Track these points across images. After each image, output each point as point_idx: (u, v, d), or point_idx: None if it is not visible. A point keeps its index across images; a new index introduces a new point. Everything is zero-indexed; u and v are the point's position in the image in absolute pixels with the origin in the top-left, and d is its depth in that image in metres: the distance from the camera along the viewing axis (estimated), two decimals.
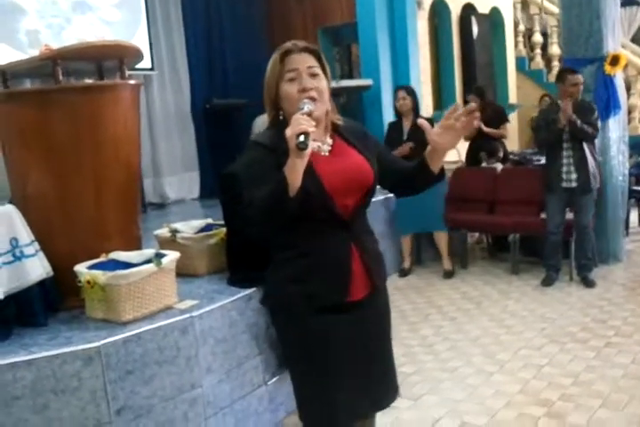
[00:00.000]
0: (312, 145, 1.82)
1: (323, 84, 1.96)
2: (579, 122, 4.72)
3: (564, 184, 4.93)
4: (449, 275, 5.59)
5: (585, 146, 4.86)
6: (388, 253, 5.51)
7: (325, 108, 1.98)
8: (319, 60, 2.00)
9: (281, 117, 1.98)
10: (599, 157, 5.35)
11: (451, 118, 1.89)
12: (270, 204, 1.78)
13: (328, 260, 1.95)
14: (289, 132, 1.72)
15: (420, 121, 1.95)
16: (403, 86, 5.80)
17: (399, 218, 5.67)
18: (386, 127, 5.85)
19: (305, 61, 1.95)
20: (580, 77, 4.90)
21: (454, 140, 1.93)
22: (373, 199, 2.13)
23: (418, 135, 5.11)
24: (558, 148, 4.92)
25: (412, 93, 5.52)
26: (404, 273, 5.72)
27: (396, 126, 5.58)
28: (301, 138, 1.70)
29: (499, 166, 6.11)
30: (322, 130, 2.00)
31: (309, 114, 1.80)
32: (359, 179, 1.98)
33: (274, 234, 2.01)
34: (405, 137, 5.41)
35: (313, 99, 1.90)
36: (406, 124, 5.47)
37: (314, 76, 1.95)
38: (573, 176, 4.90)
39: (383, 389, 2.14)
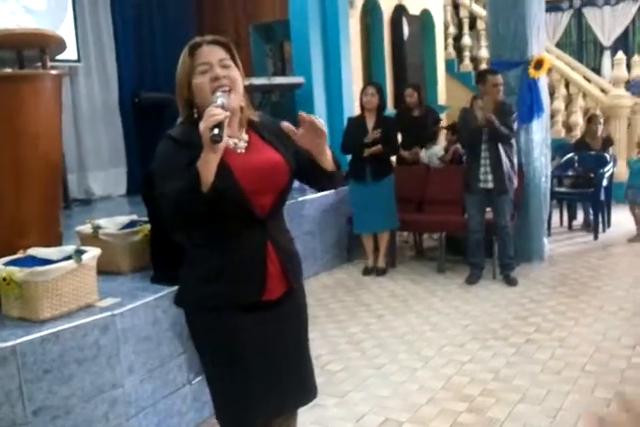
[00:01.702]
0: (228, 142, 1.82)
1: (235, 73, 1.93)
2: (496, 122, 4.83)
3: (481, 185, 5.06)
4: (382, 272, 5.64)
5: (500, 147, 4.98)
6: (318, 250, 5.55)
7: (239, 98, 1.94)
8: (230, 52, 1.96)
9: (195, 116, 1.93)
10: (522, 158, 5.50)
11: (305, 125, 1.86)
12: (182, 198, 1.74)
13: (243, 259, 1.92)
14: (202, 125, 1.70)
15: (284, 124, 1.90)
16: (372, 83, 5.82)
17: (356, 219, 5.65)
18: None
19: (215, 54, 1.92)
20: (499, 78, 5.02)
21: (312, 142, 1.88)
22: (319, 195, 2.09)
23: (382, 133, 5.18)
24: (477, 149, 5.04)
25: (380, 91, 5.51)
26: (367, 271, 5.69)
27: (357, 122, 5.54)
28: (215, 131, 1.67)
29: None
30: (237, 126, 1.96)
31: (223, 106, 1.77)
32: (274, 178, 1.94)
33: (185, 231, 1.97)
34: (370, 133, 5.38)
35: (226, 88, 1.87)
36: (370, 121, 5.42)
37: (225, 67, 1.92)
38: (490, 177, 5.02)
39: (298, 388, 2.11)
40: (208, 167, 1.71)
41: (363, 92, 5.54)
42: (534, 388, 3.37)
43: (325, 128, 1.87)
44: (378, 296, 5.05)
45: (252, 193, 1.87)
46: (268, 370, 2.00)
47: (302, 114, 1.84)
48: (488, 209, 5.23)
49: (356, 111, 6.80)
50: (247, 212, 1.89)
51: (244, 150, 1.95)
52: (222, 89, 1.87)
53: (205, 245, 1.93)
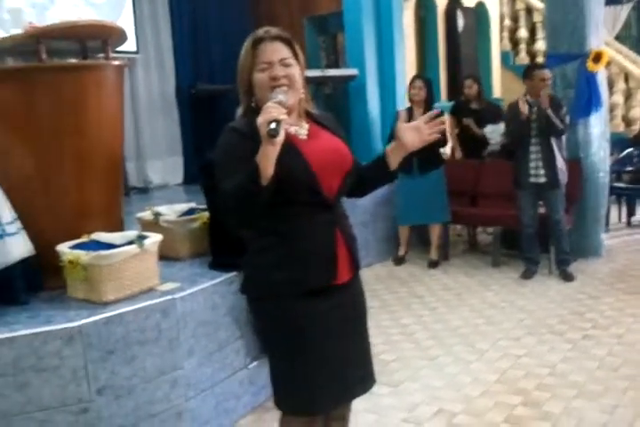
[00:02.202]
0: (289, 129, 1.85)
1: (295, 71, 1.95)
2: (552, 115, 4.75)
3: (532, 179, 4.98)
4: (434, 265, 5.62)
5: (553, 142, 4.90)
6: (372, 241, 5.56)
7: (298, 95, 1.97)
8: (292, 48, 1.98)
9: (253, 105, 1.96)
10: (580, 152, 5.41)
11: (422, 122, 1.98)
12: (243, 193, 1.76)
13: (315, 243, 1.93)
14: (260, 119, 1.72)
15: (401, 110, 1.99)
16: (420, 76, 5.77)
17: (401, 208, 5.66)
18: (372, 116, 5.81)
19: (278, 52, 1.93)
20: (547, 73, 4.93)
21: (412, 141, 1.99)
22: None
23: None
24: (526, 143, 4.96)
25: (428, 85, 5.49)
26: (399, 261, 5.74)
27: (406, 114, 5.54)
28: (272, 125, 1.69)
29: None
30: (296, 116, 2.00)
31: (280, 103, 1.79)
32: (340, 159, 1.98)
33: (249, 222, 1.99)
34: None
35: (285, 87, 1.90)
36: (417, 115, 5.41)
37: (286, 66, 1.94)
38: (541, 172, 4.94)
39: (361, 374, 2.12)
40: (267, 160, 1.72)
41: (411, 84, 5.53)
42: (591, 384, 3.32)
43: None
44: (431, 289, 5.03)
45: (321, 175, 1.90)
46: (336, 356, 2.01)
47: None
48: (541, 203, 5.14)
49: (409, 103, 6.79)
50: (316, 194, 1.90)
51: (305, 137, 1.98)
52: (281, 88, 1.90)
53: (274, 232, 1.94)
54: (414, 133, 1.98)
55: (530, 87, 4.94)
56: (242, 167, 1.77)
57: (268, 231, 1.95)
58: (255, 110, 1.89)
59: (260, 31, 1.96)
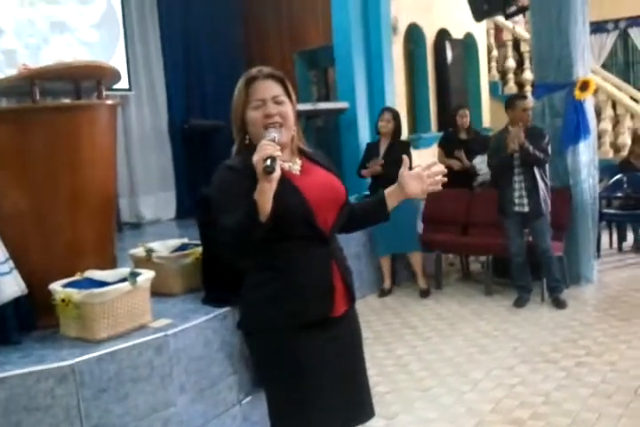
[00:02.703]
0: (283, 165, 1.90)
1: (287, 108, 2.01)
2: (530, 148, 4.84)
3: (517, 208, 5.05)
4: (425, 294, 5.65)
5: (536, 171, 4.97)
6: (365, 273, 5.58)
7: (290, 133, 2.03)
8: (284, 86, 2.04)
9: (247, 142, 2.02)
10: (569, 180, 5.47)
11: (425, 171, 2.05)
12: (241, 229, 1.80)
13: (311, 277, 1.97)
14: (255, 157, 1.77)
15: (404, 157, 2.07)
16: (389, 108, 5.87)
17: (376, 239, 5.73)
18: (363, 148, 5.92)
19: (270, 90, 2.00)
20: (529, 102, 5.04)
21: (416, 189, 2.06)
22: None
23: (392, 157, 5.24)
24: (510, 173, 5.04)
25: (396, 117, 5.63)
26: (384, 293, 5.76)
27: (374, 147, 5.66)
28: (268, 162, 1.73)
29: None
30: (289, 153, 2.05)
31: (274, 141, 1.85)
32: (335, 194, 2.04)
33: (246, 256, 2.03)
34: (381, 157, 5.49)
35: (277, 125, 1.96)
36: (383, 145, 5.57)
37: (279, 103, 2.00)
38: (525, 201, 5.02)
39: (359, 406, 2.14)
40: (264, 197, 1.77)
41: (379, 116, 5.65)
42: (585, 412, 3.32)
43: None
44: (424, 319, 5.04)
45: (316, 210, 1.95)
46: (333, 389, 2.03)
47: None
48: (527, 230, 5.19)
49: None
50: (312, 229, 1.95)
51: (298, 173, 2.03)
52: (274, 125, 1.95)
53: (270, 267, 1.98)
54: (417, 182, 2.05)
55: (512, 117, 5.03)
56: (238, 204, 1.81)
57: (264, 266, 1.99)
58: (249, 147, 1.95)
59: (254, 70, 2.03)
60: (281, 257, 1.96)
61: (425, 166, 2.08)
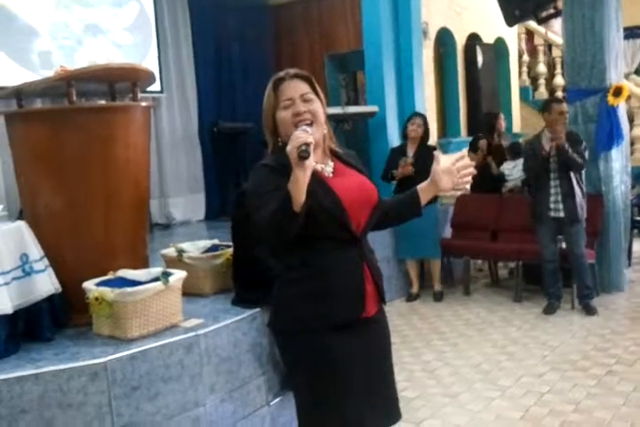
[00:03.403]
0: (316, 167, 1.91)
1: (317, 105, 2.03)
2: (570, 150, 4.78)
3: (552, 214, 4.99)
4: (439, 296, 5.66)
5: (572, 176, 4.91)
6: (393, 277, 5.57)
7: (322, 130, 2.04)
8: (311, 85, 2.06)
9: (280, 144, 2.03)
10: (601, 187, 5.41)
11: (455, 165, 2.06)
12: (276, 219, 1.80)
13: (343, 277, 1.98)
14: (289, 146, 1.79)
15: (436, 153, 2.08)
16: (419, 114, 5.87)
17: (399, 244, 5.74)
18: None
19: (298, 89, 2.02)
20: (565, 106, 4.98)
21: (448, 183, 2.07)
22: None
23: (420, 162, 5.22)
24: (546, 178, 4.98)
25: (426, 123, 5.63)
26: (412, 298, 5.74)
27: (399, 151, 5.64)
28: (303, 147, 1.75)
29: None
30: (321, 154, 2.06)
31: (306, 131, 1.88)
32: (367, 196, 2.05)
33: (281, 253, 2.04)
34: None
35: (308, 122, 1.97)
36: (410, 150, 5.54)
37: (307, 101, 2.02)
38: (560, 206, 4.95)
39: (386, 409, 2.14)
40: (298, 186, 1.77)
41: (409, 121, 5.62)
42: (617, 421, 3.28)
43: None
44: (452, 324, 5.01)
45: (350, 211, 1.96)
46: (364, 390, 2.03)
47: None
48: (561, 237, 5.14)
49: (430, 139, 6.84)
50: (345, 229, 1.96)
51: (331, 175, 2.04)
52: (304, 123, 1.97)
53: (303, 267, 1.99)
54: (448, 177, 2.06)
55: (548, 121, 4.98)
56: (272, 199, 1.83)
57: (297, 265, 2.00)
58: (283, 149, 1.96)
59: (280, 73, 2.06)
60: (314, 257, 1.98)
61: (454, 160, 2.08)
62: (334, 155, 2.13)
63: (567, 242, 5.08)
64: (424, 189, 2.11)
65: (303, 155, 1.75)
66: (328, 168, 2.06)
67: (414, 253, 5.72)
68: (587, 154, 4.97)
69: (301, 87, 2.03)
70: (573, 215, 4.92)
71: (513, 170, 6.22)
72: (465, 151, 2.13)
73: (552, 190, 4.97)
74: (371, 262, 2.06)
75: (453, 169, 2.06)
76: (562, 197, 4.94)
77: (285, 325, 2.07)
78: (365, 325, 2.04)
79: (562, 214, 4.95)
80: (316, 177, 1.87)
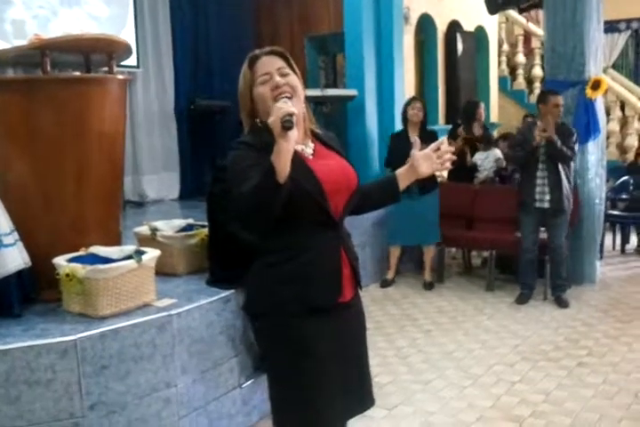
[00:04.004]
0: (296, 147, 1.84)
1: (294, 78, 1.97)
2: (559, 142, 4.77)
3: (538, 204, 4.98)
4: (430, 286, 5.63)
5: (560, 168, 4.91)
6: (368, 262, 5.54)
7: (301, 104, 1.98)
8: (287, 61, 2.01)
9: (259, 124, 1.96)
10: (577, 179, 5.42)
11: (434, 150, 2.02)
12: (260, 192, 1.73)
13: (321, 261, 1.93)
14: (272, 118, 1.73)
15: (414, 138, 2.02)
16: (418, 98, 5.82)
17: (392, 229, 5.68)
18: (370, 136, 5.85)
19: (274, 64, 1.97)
20: (561, 99, 4.95)
21: (428, 169, 2.05)
22: None
23: (423, 146, 5.15)
24: (534, 168, 4.97)
25: (424, 107, 5.56)
26: (386, 283, 5.71)
27: (401, 136, 5.55)
28: (287, 117, 1.70)
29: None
30: (302, 134, 2.00)
31: (286, 103, 1.81)
32: (347, 179, 1.99)
33: (258, 234, 1.98)
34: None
35: (288, 95, 1.91)
36: (413, 135, 5.45)
37: (284, 75, 1.96)
38: (547, 197, 4.95)
39: (361, 394, 2.11)
40: (281, 157, 1.71)
41: (409, 106, 5.55)
42: (586, 412, 3.29)
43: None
44: (425, 311, 5.00)
45: (329, 192, 1.90)
46: (339, 375, 1.99)
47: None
48: (542, 229, 5.15)
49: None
50: (324, 213, 1.91)
51: (311, 156, 1.98)
52: (284, 95, 1.91)
53: (281, 250, 1.93)
54: (427, 162, 2.03)
55: (543, 112, 4.95)
56: (254, 174, 1.77)
57: (273, 248, 1.95)
58: (260, 129, 1.90)
59: (256, 51, 2.01)
60: (291, 240, 1.93)
61: (434, 146, 2.05)
62: (314, 136, 2.07)
63: (548, 232, 5.09)
64: (402, 175, 2.08)
65: (287, 125, 1.69)
66: (308, 149, 2.00)
67: (413, 241, 5.67)
68: (576, 147, 4.97)
69: (277, 62, 1.97)
70: (559, 207, 4.93)
71: (485, 161, 6.22)
72: (444, 138, 2.09)
73: (539, 181, 4.96)
74: (347, 246, 2.02)
75: (432, 155, 2.04)
76: (549, 188, 4.93)
77: (261, 308, 2.01)
78: (341, 310, 2.00)
79: (547, 205, 4.96)
80: (297, 158, 1.80)
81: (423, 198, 5.40)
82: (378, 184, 2.15)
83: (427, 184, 5.28)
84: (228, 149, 1.97)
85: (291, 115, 1.71)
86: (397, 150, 5.40)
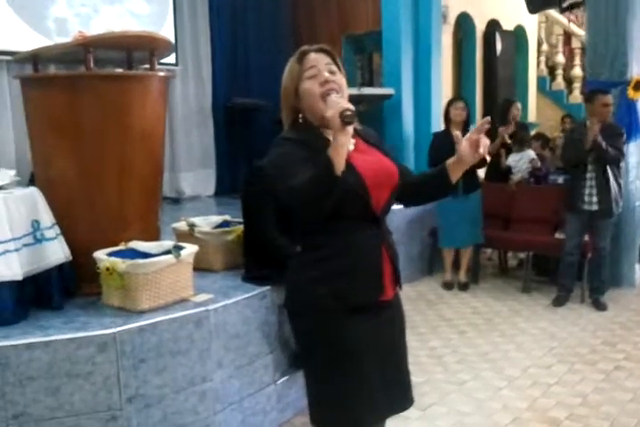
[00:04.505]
0: None
1: (341, 78, 1.98)
2: (604, 144, 4.68)
3: (586, 206, 4.90)
4: (465, 287, 5.59)
5: (609, 169, 4.83)
6: (403, 260, 5.49)
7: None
8: (334, 59, 2.01)
9: (300, 120, 1.98)
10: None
11: (475, 134, 1.94)
12: (317, 186, 1.73)
13: (363, 258, 1.92)
14: (330, 111, 1.73)
15: (456, 133, 2.02)
16: (461, 98, 5.80)
17: (445, 230, 5.63)
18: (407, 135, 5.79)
19: (322, 60, 1.98)
20: (610, 98, 4.87)
21: (472, 155, 1.96)
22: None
23: None
24: (582, 169, 4.89)
25: (467, 106, 5.54)
26: (449, 286, 5.65)
27: (445, 135, 5.49)
28: (347, 112, 1.70)
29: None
30: None
31: (342, 98, 1.83)
32: (388, 174, 1.98)
33: (306, 229, 1.96)
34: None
35: (336, 91, 1.92)
36: (457, 134, 5.42)
37: (332, 73, 1.97)
38: (595, 199, 4.87)
39: (403, 391, 2.11)
40: (340, 151, 1.71)
41: (452, 105, 5.50)
42: (624, 416, 3.24)
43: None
44: (459, 312, 4.97)
45: (371, 187, 1.90)
46: (379, 374, 1.99)
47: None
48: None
49: (444, 125, 6.76)
50: (366, 207, 1.90)
51: (352, 152, 1.97)
52: (333, 91, 1.91)
53: (321, 247, 1.93)
54: (470, 147, 1.95)
55: (591, 111, 4.88)
56: (302, 169, 1.77)
57: (315, 245, 1.95)
58: (303, 125, 1.91)
59: (303, 47, 2.02)
60: (334, 237, 1.92)
61: (479, 125, 1.97)
62: (355, 132, 2.06)
63: (595, 234, 5.00)
64: (452, 165, 2.02)
65: (349, 119, 1.70)
66: (349, 145, 1.99)
67: (460, 242, 5.61)
68: (625, 148, 4.88)
69: (326, 60, 1.99)
70: (607, 209, 4.84)
71: (519, 162, 6.14)
72: (488, 118, 2.02)
73: (587, 182, 4.87)
74: (389, 244, 2.01)
75: (475, 138, 1.94)
76: (596, 189, 4.84)
77: (301, 306, 2.01)
78: (382, 308, 2.00)
79: (595, 207, 4.87)
80: None
81: (468, 198, 5.36)
82: (429, 175, 2.12)
83: (470, 183, 5.25)
84: (272, 145, 1.97)
85: (351, 110, 1.72)
86: (441, 149, 5.33)
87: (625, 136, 4.88)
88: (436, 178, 2.05)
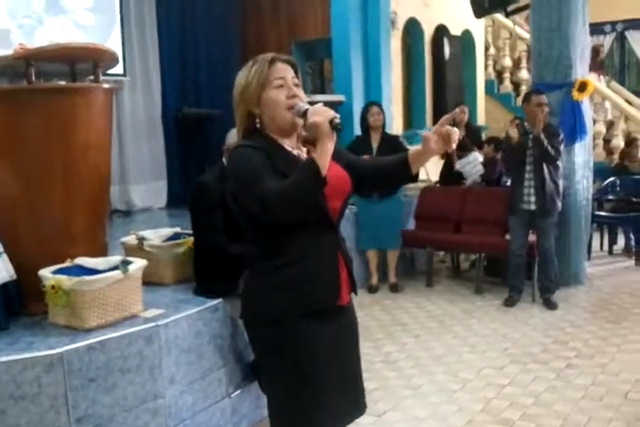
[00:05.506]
0: (293, 152, 1.94)
1: (302, 93, 2.00)
2: (545, 141, 4.80)
3: (524, 206, 5.02)
4: (395, 288, 5.67)
5: (545, 169, 4.95)
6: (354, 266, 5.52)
7: None
8: (296, 73, 2.04)
9: (258, 125, 1.98)
10: (563, 180, 5.45)
11: (444, 126, 1.94)
12: (302, 189, 1.78)
13: (320, 264, 1.95)
14: (319, 118, 1.77)
15: (450, 128, 1.96)
16: (375, 102, 5.83)
17: (361, 233, 5.71)
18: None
19: (289, 72, 2.00)
20: (543, 98, 4.99)
21: (442, 148, 1.96)
22: None
23: (385, 150, 5.19)
24: (521, 170, 5.01)
25: (383, 111, 5.61)
26: (372, 289, 5.71)
27: (363, 141, 5.57)
28: (337, 120, 1.76)
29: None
30: (295, 140, 2.03)
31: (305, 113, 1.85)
32: (342, 183, 2.02)
33: (299, 217, 1.93)
34: (375, 152, 5.43)
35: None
36: (375, 139, 5.52)
37: (296, 86, 1.99)
38: (532, 199, 4.99)
39: (356, 398, 2.12)
40: (324, 156, 1.78)
41: (369, 111, 5.59)
42: (576, 414, 3.31)
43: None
44: (414, 316, 5.01)
45: (329, 197, 1.93)
46: (336, 381, 2.01)
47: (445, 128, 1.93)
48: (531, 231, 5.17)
49: (395, 130, 6.82)
50: (323, 215, 1.94)
51: None
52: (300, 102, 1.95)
53: (279, 255, 1.94)
54: (443, 141, 1.95)
55: (527, 112, 5.00)
56: (268, 174, 1.83)
57: (273, 254, 1.96)
58: (258, 131, 1.94)
59: (271, 53, 2.02)
60: (293, 244, 1.94)
61: (449, 116, 1.98)
62: (305, 141, 2.08)
63: (537, 235, 5.11)
64: (415, 153, 2.01)
65: (339, 127, 1.77)
66: (303, 155, 2.02)
67: (377, 244, 5.70)
68: (562, 147, 4.99)
69: (292, 72, 2.00)
70: (544, 208, 4.96)
71: (466, 167, 6.23)
72: (462, 107, 2.02)
73: (526, 182, 5.00)
74: (343, 250, 2.05)
75: (441, 130, 1.94)
76: (534, 189, 4.97)
77: (260, 315, 2.01)
78: (339, 313, 2.03)
79: (533, 207, 4.98)
80: (296, 162, 1.87)
81: (383, 203, 5.43)
82: (388, 165, 2.10)
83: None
84: (232, 153, 1.98)
85: (338, 118, 1.78)
86: (357, 152, 5.41)
87: (562, 136, 5.00)
88: (396, 169, 2.06)
